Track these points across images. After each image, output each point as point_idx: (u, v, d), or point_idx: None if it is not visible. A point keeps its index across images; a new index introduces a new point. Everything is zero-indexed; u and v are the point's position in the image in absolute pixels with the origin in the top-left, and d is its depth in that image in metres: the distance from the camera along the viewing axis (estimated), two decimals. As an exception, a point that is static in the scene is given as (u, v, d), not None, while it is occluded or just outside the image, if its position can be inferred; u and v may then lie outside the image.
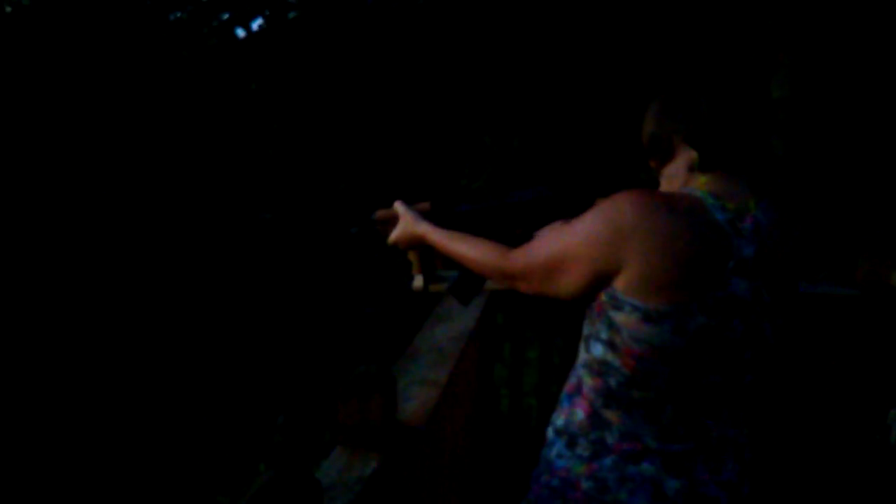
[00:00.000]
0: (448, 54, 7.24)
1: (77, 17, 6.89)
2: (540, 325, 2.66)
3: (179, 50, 7.42)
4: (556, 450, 1.19)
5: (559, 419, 1.21)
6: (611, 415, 1.12)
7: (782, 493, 2.47)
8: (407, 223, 1.39)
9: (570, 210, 1.38)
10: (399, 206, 1.42)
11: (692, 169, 1.13)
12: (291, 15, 7.87)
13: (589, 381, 1.15)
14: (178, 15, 7.85)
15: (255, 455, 4.54)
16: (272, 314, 6.50)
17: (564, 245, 1.12)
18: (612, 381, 1.11)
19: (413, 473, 1.48)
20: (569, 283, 1.12)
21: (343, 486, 1.16)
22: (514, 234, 1.37)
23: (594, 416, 1.14)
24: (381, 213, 1.45)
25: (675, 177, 1.16)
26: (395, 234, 1.42)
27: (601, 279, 1.08)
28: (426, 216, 1.40)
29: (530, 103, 7.02)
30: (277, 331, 6.30)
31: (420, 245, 1.40)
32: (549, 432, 1.24)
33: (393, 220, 1.43)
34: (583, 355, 1.17)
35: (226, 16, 7.81)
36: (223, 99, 7.34)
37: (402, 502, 1.42)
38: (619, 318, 1.07)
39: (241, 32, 8.02)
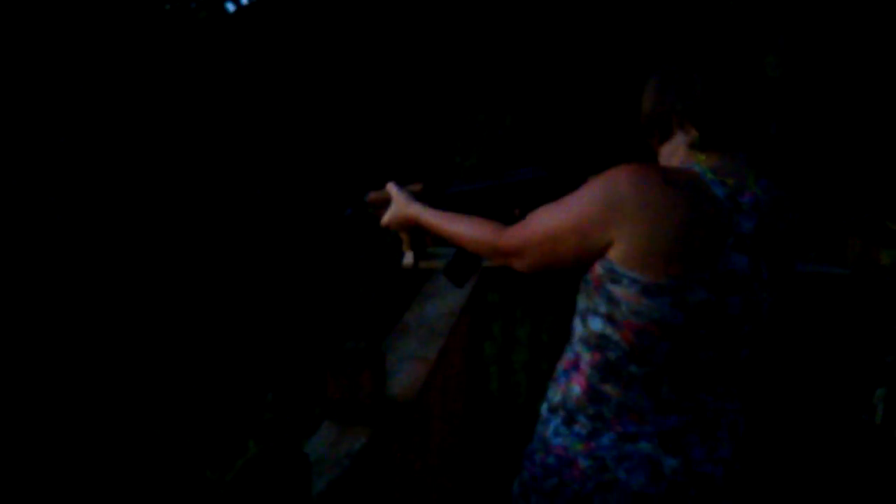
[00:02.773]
0: (441, 31, 7.17)
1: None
2: (530, 303, 2.66)
3: (167, 24, 7.31)
4: (552, 427, 1.18)
5: (556, 395, 1.20)
6: (609, 389, 1.12)
7: (771, 470, 2.49)
8: (399, 205, 1.38)
9: (565, 189, 1.37)
10: (391, 188, 1.40)
11: (692, 147, 1.12)
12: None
13: (587, 356, 1.14)
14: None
15: (244, 431, 4.55)
16: (263, 291, 6.48)
17: (559, 219, 1.11)
18: (611, 355, 1.10)
19: (402, 448, 1.48)
20: (565, 256, 1.11)
21: (332, 461, 1.16)
22: (511, 215, 1.34)
23: (592, 391, 1.13)
24: (373, 196, 1.44)
25: (674, 155, 1.15)
26: (387, 216, 1.40)
27: (596, 251, 1.07)
28: (419, 197, 1.38)
29: (523, 80, 6.97)
30: (267, 307, 6.29)
31: (413, 226, 1.38)
32: (544, 409, 1.23)
33: (385, 202, 1.42)
34: (579, 330, 1.16)
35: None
36: (212, 75, 7.25)
37: (391, 477, 1.42)
38: (618, 291, 1.06)
39: (231, 7, 7.90)
